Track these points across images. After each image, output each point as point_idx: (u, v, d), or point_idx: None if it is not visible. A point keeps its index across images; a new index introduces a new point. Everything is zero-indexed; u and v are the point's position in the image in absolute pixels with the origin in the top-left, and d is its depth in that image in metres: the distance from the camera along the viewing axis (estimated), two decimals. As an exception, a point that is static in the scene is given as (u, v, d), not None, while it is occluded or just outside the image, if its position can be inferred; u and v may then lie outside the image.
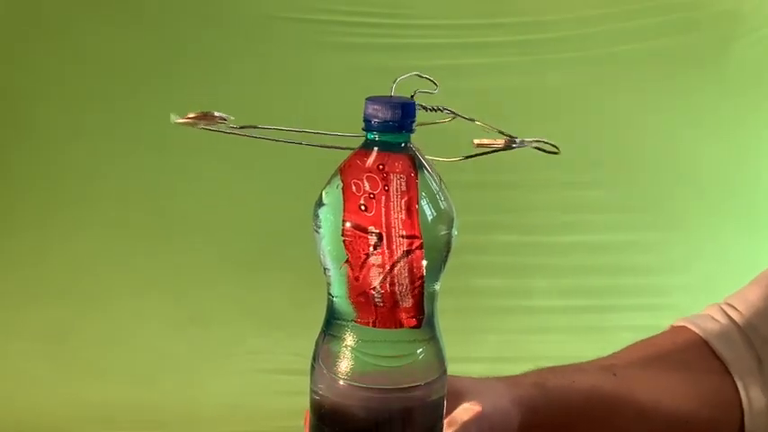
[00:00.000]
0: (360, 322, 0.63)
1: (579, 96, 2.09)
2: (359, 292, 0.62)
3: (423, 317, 0.63)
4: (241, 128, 0.65)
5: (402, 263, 0.61)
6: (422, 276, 0.62)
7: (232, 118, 0.63)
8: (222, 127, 0.65)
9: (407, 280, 0.61)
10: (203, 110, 0.64)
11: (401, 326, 0.63)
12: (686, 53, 2.11)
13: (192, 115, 0.63)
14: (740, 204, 2.11)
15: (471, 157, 0.68)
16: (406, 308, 0.62)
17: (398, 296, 0.62)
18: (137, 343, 1.98)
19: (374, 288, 0.62)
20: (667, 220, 2.11)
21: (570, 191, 2.08)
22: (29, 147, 2.05)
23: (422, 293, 0.62)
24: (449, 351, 0.66)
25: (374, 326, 0.63)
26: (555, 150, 0.65)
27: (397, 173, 0.62)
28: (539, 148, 0.65)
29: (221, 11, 2.08)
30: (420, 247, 0.61)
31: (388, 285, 0.62)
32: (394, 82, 0.65)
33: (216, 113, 0.63)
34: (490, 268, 2.05)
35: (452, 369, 0.67)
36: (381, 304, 0.62)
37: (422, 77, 0.66)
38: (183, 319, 2.00)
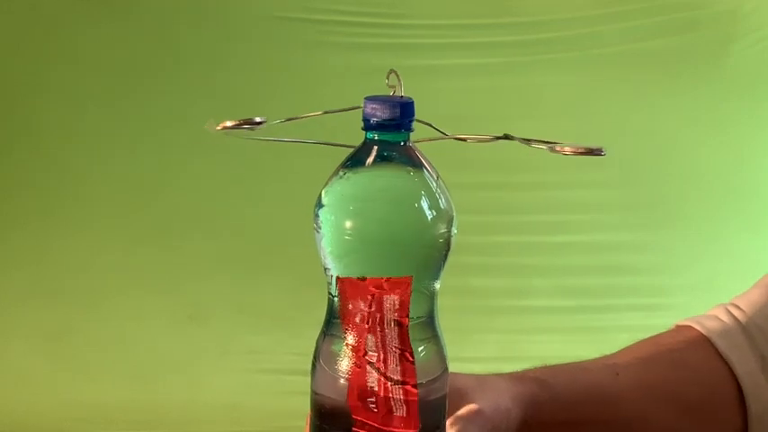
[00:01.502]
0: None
1: (579, 96, 2.09)
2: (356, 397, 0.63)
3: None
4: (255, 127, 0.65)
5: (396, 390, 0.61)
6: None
7: (263, 123, 0.63)
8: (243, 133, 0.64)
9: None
10: (242, 117, 0.63)
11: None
12: (686, 53, 2.11)
13: (230, 123, 0.63)
14: (740, 204, 2.11)
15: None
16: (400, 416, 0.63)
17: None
18: (136, 342, 1.98)
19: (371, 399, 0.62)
20: (667, 220, 2.11)
21: (570, 191, 2.08)
22: (29, 147, 2.05)
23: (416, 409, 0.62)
24: (448, 351, 0.66)
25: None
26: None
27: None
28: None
29: (221, 11, 2.08)
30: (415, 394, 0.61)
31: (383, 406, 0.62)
32: (387, 78, 0.65)
33: (257, 119, 0.62)
34: (489, 268, 2.05)
35: (451, 369, 0.67)
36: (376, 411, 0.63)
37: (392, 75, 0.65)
38: (182, 319, 2.00)
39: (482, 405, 0.72)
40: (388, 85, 0.64)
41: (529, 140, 0.66)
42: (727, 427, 0.86)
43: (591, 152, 0.64)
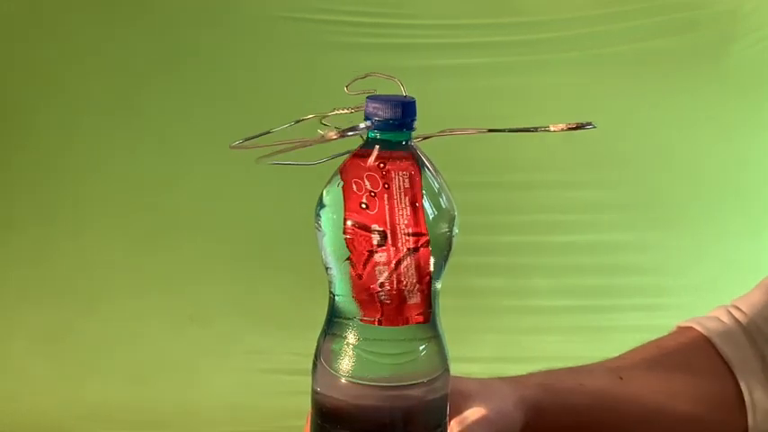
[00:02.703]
0: (365, 321, 0.63)
1: (579, 96, 2.09)
2: (362, 290, 0.62)
3: (430, 311, 0.63)
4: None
5: (409, 260, 0.61)
6: (429, 273, 0.62)
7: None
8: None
9: (415, 277, 0.61)
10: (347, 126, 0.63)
11: (408, 323, 0.63)
12: (686, 53, 2.11)
13: (333, 134, 0.63)
14: (741, 204, 2.11)
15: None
16: (413, 304, 0.63)
17: (405, 293, 0.62)
18: (136, 343, 1.98)
19: (380, 286, 0.62)
20: (667, 220, 2.11)
21: (570, 191, 2.08)
22: (29, 147, 2.05)
23: (429, 289, 0.62)
24: (449, 351, 0.66)
25: (380, 324, 0.63)
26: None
27: (399, 170, 0.62)
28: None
29: (222, 11, 2.08)
30: (427, 243, 0.61)
31: (394, 283, 0.62)
32: (349, 84, 0.65)
33: (361, 125, 0.63)
34: (490, 268, 2.05)
35: (452, 368, 0.67)
36: (388, 302, 0.62)
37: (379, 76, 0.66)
38: (182, 319, 2.00)
39: (486, 409, 0.72)
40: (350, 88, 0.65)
41: (514, 130, 0.67)
42: (728, 428, 0.86)
43: (581, 126, 0.65)
